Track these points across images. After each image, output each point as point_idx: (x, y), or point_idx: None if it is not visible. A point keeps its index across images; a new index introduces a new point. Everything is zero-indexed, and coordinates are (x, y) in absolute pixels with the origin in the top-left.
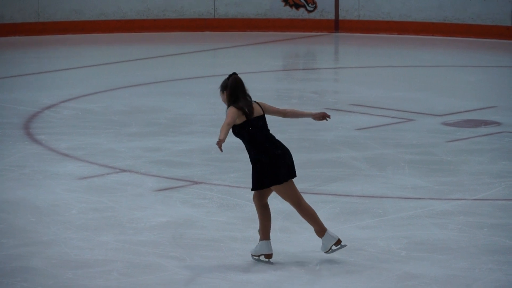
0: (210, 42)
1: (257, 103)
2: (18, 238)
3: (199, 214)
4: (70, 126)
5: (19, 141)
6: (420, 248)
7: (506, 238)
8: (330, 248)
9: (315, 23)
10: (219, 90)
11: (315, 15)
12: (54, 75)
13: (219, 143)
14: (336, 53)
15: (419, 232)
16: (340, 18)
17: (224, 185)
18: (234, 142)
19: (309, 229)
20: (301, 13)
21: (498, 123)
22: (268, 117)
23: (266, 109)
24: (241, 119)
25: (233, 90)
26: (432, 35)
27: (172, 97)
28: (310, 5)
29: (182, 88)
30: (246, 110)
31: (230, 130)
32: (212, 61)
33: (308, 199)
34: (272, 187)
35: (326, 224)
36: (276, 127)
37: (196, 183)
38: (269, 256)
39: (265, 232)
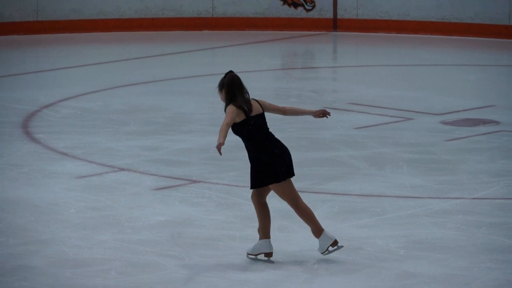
0: (208, 41)
1: (257, 100)
2: (17, 237)
3: (198, 213)
4: (69, 125)
5: (17, 140)
6: (419, 247)
7: (504, 237)
8: (327, 249)
9: (313, 22)
10: (217, 89)
11: (313, 14)
12: (53, 74)
13: (219, 147)
14: (334, 52)
15: (417, 231)
16: (338, 17)
17: (222, 184)
18: (233, 141)
19: (307, 228)
20: (300, 12)
21: (496, 122)
22: (267, 116)
23: (265, 107)
24: (240, 117)
25: (230, 87)
26: (431, 34)
27: (171, 96)
28: (308, 4)
29: (180, 87)
30: (245, 108)
31: (230, 129)
32: (210, 60)
33: (306, 198)
34: (270, 186)
35: (324, 223)
36: (275, 125)
37: (195, 182)
38: (269, 254)
39: (265, 231)
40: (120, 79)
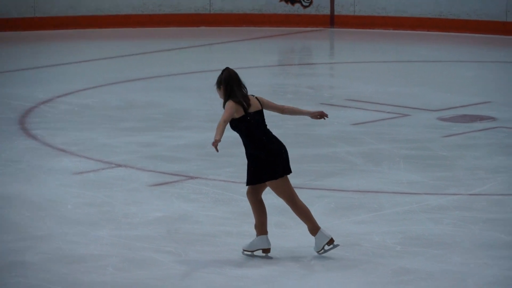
0: (205, 37)
1: (256, 97)
2: (13, 233)
3: (195, 209)
4: (66, 121)
5: (14, 136)
6: (416, 243)
7: (501, 233)
8: (323, 248)
9: (310, 19)
10: (215, 87)
11: (310, 11)
12: (50, 70)
13: (215, 144)
14: (331, 48)
15: (414, 227)
16: (335, 13)
17: (219, 180)
18: (230, 137)
19: (304, 224)
20: (297, 9)
21: (493, 118)
22: (264, 112)
23: (264, 104)
24: (239, 113)
25: (228, 83)
26: (428, 31)
27: (168, 92)
28: (305, 0)
29: (177, 83)
30: (244, 103)
31: (228, 125)
32: (207, 56)
33: (303, 194)
34: (267, 183)
35: (321, 219)
36: (272, 122)
37: (192, 178)
38: (267, 250)
39: (262, 227)
40: (117, 75)
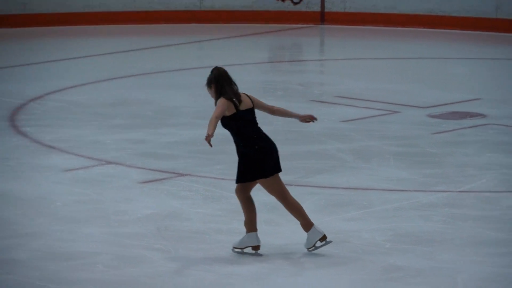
0: (196, 34)
1: (248, 96)
2: (2, 230)
3: (185, 206)
4: (56, 118)
5: (4, 133)
6: (405, 240)
7: (490, 230)
8: (314, 245)
9: (301, 15)
10: (206, 87)
11: (301, 7)
12: (39, 67)
13: (208, 138)
14: (322, 45)
15: (404, 224)
16: (326, 10)
17: (209, 177)
18: (220, 134)
19: (294, 221)
20: (287, 5)
21: (483, 115)
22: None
23: (255, 103)
24: (230, 111)
25: (218, 81)
26: (418, 27)
27: (158, 89)
28: None
29: (168, 80)
30: (236, 101)
31: (219, 122)
32: (198, 53)
33: (293, 191)
34: (258, 181)
35: (311, 216)
36: (262, 118)
37: (182, 175)
38: (257, 247)
39: (251, 224)
40: (107, 72)
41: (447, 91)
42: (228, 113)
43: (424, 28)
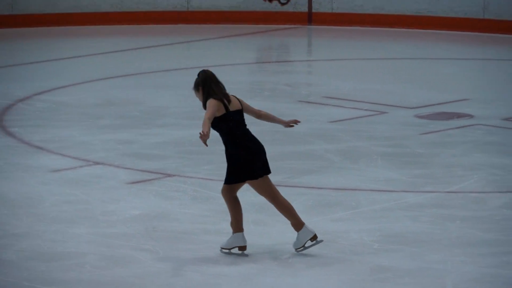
0: (183, 34)
1: (236, 97)
2: None
3: (173, 207)
4: (44, 119)
5: None
6: (393, 241)
7: (478, 230)
8: (303, 245)
9: (288, 16)
10: (194, 90)
11: (288, 8)
12: (28, 68)
13: (204, 138)
14: (309, 45)
15: (392, 225)
16: (313, 10)
17: (197, 178)
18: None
19: (282, 221)
20: (274, 6)
21: (471, 116)
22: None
23: (244, 106)
24: (220, 112)
25: (205, 83)
26: (406, 28)
27: (146, 90)
28: None
29: (155, 80)
30: (225, 101)
31: None
32: (185, 54)
33: (281, 191)
34: (248, 183)
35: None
36: (250, 118)
37: (170, 175)
38: (243, 248)
39: (237, 225)
40: (95, 73)
41: (435, 91)
42: (218, 114)
43: (411, 28)
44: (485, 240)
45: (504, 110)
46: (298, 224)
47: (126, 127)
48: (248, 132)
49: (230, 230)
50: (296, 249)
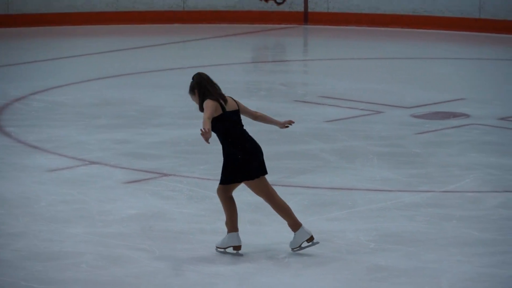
0: (179, 34)
1: (233, 99)
2: None
3: (169, 206)
4: (40, 118)
5: None
6: (389, 240)
7: (474, 230)
8: (300, 245)
9: (284, 16)
10: (189, 94)
11: (284, 8)
12: (23, 67)
13: (206, 136)
14: (305, 45)
15: (388, 224)
16: (309, 10)
17: (193, 177)
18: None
19: (278, 221)
20: (270, 6)
21: (467, 115)
22: None
23: (240, 107)
24: (217, 112)
25: (201, 85)
26: (401, 27)
27: (142, 89)
28: None
29: (151, 80)
30: (222, 101)
31: None
32: (181, 53)
33: (276, 191)
34: (244, 183)
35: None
36: (246, 118)
37: (166, 175)
38: (238, 248)
39: (232, 224)
40: (91, 72)
41: (431, 91)
42: (215, 114)
43: (407, 28)
44: (481, 240)
45: (500, 109)
46: (295, 225)
47: (122, 127)
48: (245, 132)
49: (226, 229)
50: (292, 249)
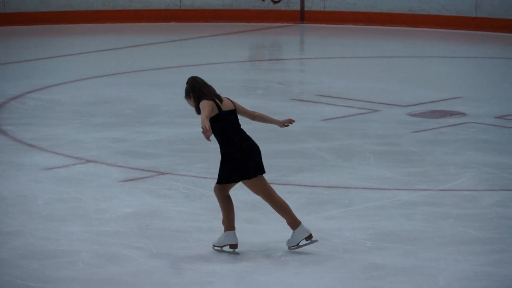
0: (176, 33)
1: (229, 99)
2: None
3: (165, 205)
4: (36, 117)
5: None
6: (386, 239)
7: (471, 228)
8: (297, 244)
9: (281, 14)
10: (186, 99)
11: (280, 6)
12: (20, 66)
13: (207, 134)
14: (302, 43)
15: (385, 223)
16: (305, 8)
17: (190, 176)
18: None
19: (275, 219)
20: (267, 4)
21: (463, 114)
22: None
23: (237, 107)
24: (213, 112)
25: (195, 88)
26: (398, 26)
27: (139, 88)
28: None
29: (148, 79)
30: (217, 101)
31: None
32: (178, 52)
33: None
34: (242, 182)
35: None
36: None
37: (162, 173)
38: (234, 246)
39: (229, 223)
40: (87, 71)
41: (428, 89)
42: (211, 114)
43: (404, 27)
44: (478, 238)
45: (497, 108)
46: (294, 223)
47: (119, 125)
48: (242, 132)
49: (223, 228)
50: (289, 247)
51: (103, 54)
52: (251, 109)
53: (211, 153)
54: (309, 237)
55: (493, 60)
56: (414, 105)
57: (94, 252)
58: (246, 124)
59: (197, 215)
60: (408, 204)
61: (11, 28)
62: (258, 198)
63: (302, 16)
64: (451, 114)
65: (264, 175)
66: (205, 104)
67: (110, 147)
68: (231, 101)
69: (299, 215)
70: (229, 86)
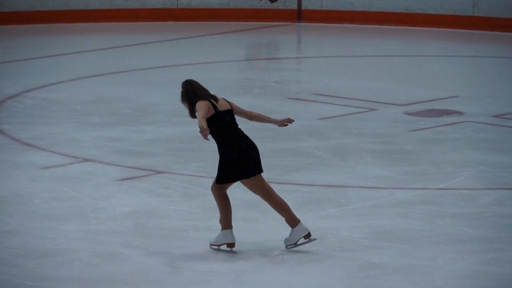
0: (173, 32)
1: (225, 100)
2: None
3: (162, 204)
4: (33, 116)
5: None
6: (383, 238)
7: (468, 227)
8: (295, 242)
9: (277, 13)
10: (182, 103)
11: (277, 5)
12: (17, 65)
13: (205, 133)
14: (298, 42)
15: (381, 222)
16: (302, 8)
17: (187, 175)
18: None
19: (273, 218)
20: (264, 3)
21: (460, 113)
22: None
23: (233, 107)
24: (210, 112)
25: (188, 91)
26: (395, 25)
27: (135, 87)
28: None
29: (145, 78)
30: (213, 101)
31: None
32: (175, 51)
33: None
34: (241, 182)
35: None
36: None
37: (159, 172)
38: (231, 245)
39: (226, 222)
40: (84, 69)
41: (425, 88)
42: (208, 114)
43: (401, 26)
44: (475, 237)
45: (494, 107)
46: (293, 221)
47: (116, 124)
48: (239, 131)
49: (219, 226)
50: (287, 245)
51: (100, 53)
52: (248, 109)
53: (208, 152)
54: (308, 235)
55: (490, 59)
56: (411, 104)
57: (91, 250)
58: (243, 123)
59: (194, 214)
60: (405, 203)
61: (8, 27)
62: (255, 197)
63: (299, 15)
64: (448, 113)
65: (262, 173)
66: (201, 105)
67: (107, 146)
68: (227, 101)
69: (296, 214)
70: (226, 85)
